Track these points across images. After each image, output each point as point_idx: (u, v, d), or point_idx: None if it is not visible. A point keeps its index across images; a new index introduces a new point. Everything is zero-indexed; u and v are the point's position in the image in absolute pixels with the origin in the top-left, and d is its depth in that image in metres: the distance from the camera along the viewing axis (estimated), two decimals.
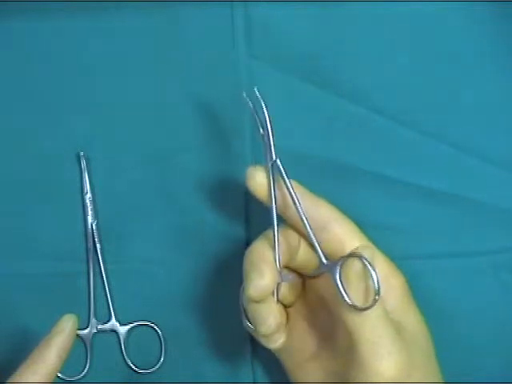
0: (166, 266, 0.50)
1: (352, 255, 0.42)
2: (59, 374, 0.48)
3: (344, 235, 0.45)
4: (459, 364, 0.48)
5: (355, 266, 0.41)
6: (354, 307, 0.41)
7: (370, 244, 0.46)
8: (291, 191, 0.44)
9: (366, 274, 0.41)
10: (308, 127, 0.50)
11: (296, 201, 0.44)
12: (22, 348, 0.47)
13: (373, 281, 0.41)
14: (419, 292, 0.47)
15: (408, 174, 0.49)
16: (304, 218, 0.43)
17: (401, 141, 0.49)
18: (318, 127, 0.50)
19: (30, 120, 0.50)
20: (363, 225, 0.48)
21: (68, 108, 0.50)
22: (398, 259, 0.48)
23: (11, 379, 0.42)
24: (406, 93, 0.49)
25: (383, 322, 0.41)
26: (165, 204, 0.50)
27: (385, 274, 0.45)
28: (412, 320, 0.45)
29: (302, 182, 0.49)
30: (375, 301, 0.41)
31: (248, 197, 0.49)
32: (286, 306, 0.47)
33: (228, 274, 0.49)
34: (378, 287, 0.41)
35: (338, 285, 0.41)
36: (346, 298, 0.41)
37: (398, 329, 0.42)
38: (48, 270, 0.50)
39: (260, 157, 0.49)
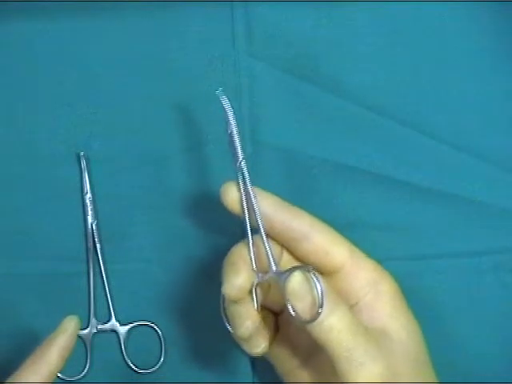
0: (166, 266, 0.50)
1: (297, 268, 0.41)
2: (59, 374, 0.48)
3: (327, 244, 0.44)
4: (459, 363, 0.48)
5: (296, 278, 0.41)
6: (298, 320, 0.40)
7: (355, 249, 0.45)
8: (251, 196, 0.43)
9: (312, 287, 0.40)
10: (308, 127, 0.50)
11: (255, 207, 0.43)
12: (22, 348, 0.47)
13: (317, 293, 0.40)
14: (419, 292, 0.47)
15: (408, 174, 0.49)
16: (260, 224, 0.42)
17: (401, 141, 0.49)
18: (317, 127, 0.50)
19: (29, 120, 0.50)
20: (362, 225, 0.49)
21: (68, 108, 0.50)
22: (397, 259, 0.48)
23: (12, 378, 0.42)
24: (405, 93, 0.49)
25: (350, 334, 0.40)
26: (165, 204, 0.50)
27: (373, 280, 0.44)
28: (401, 327, 0.44)
29: (301, 182, 0.49)
30: (318, 314, 0.40)
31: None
32: (276, 314, 0.47)
33: None
34: (321, 301, 0.40)
35: (284, 296, 0.41)
36: (291, 311, 0.40)
37: (375, 336, 0.41)
38: (48, 270, 0.50)
39: (259, 155, 0.49)
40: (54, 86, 0.50)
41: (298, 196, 0.49)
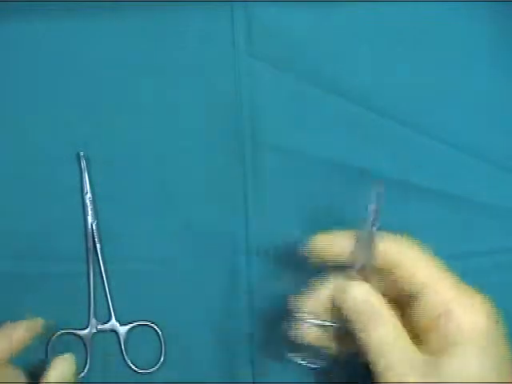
0: (166, 266, 0.50)
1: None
2: None
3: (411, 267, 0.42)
4: None
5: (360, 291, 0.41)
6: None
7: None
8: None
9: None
10: (308, 127, 0.50)
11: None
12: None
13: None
14: None
15: (408, 174, 0.49)
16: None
17: (400, 141, 0.50)
18: (317, 127, 0.50)
19: (29, 120, 0.50)
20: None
21: (68, 108, 0.50)
22: None
23: None
24: (405, 93, 0.50)
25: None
26: (165, 204, 0.50)
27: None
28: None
29: (302, 182, 0.49)
30: None
31: (247, 195, 0.49)
32: None
33: (228, 273, 0.49)
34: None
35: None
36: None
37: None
38: (48, 270, 0.50)
39: (259, 155, 0.49)
40: (54, 85, 0.50)
41: (298, 196, 0.50)
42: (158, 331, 0.49)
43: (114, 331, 0.49)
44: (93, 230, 0.49)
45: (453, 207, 0.49)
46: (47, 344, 0.48)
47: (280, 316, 0.48)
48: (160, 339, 0.49)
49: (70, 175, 0.50)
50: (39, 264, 0.50)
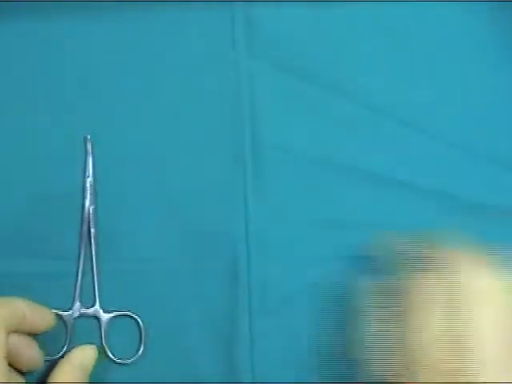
0: (166, 265, 0.49)
1: None
2: None
3: None
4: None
5: None
6: None
7: None
8: None
9: None
10: (308, 127, 0.50)
11: None
12: None
13: None
14: None
15: (408, 174, 0.49)
16: None
17: (400, 141, 0.50)
18: (317, 127, 0.50)
19: (29, 120, 0.50)
20: (362, 224, 0.49)
21: (68, 108, 0.50)
22: None
23: None
24: (405, 93, 0.50)
25: None
26: (164, 203, 0.50)
27: None
28: None
29: (301, 181, 0.49)
30: None
31: (247, 195, 0.49)
32: None
33: (228, 273, 0.49)
34: None
35: None
36: None
37: None
38: (48, 270, 0.49)
39: (259, 155, 0.49)
40: (54, 85, 0.50)
41: (298, 196, 0.49)
42: (140, 322, 0.48)
43: (96, 317, 0.48)
44: (89, 214, 0.49)
45: (453, 207, 0.49)
46: None
47: (280, 316, 0.48)
48: (140, 330, 0.48)
49: (69, 175, 0.49)
50: (37, 263, 0.49)
